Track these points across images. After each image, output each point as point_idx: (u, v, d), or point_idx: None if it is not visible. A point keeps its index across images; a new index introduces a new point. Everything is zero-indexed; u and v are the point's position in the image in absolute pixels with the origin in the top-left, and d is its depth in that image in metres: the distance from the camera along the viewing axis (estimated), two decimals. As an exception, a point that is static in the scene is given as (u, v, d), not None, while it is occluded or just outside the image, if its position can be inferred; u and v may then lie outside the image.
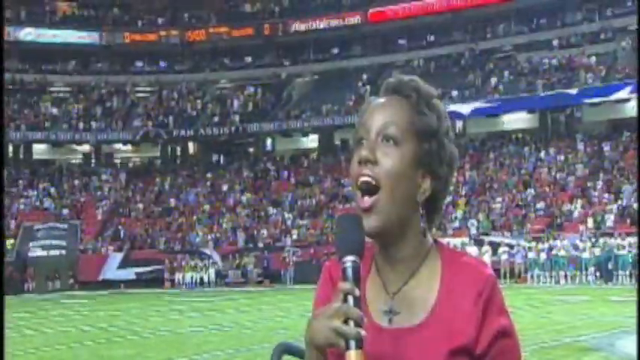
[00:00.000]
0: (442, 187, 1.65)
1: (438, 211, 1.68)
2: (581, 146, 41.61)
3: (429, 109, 1.65)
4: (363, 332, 1.45)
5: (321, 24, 52.90)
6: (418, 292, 1.62)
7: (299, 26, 53.49)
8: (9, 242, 41.59)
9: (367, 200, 1.58)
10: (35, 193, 48.33)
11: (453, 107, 40.27)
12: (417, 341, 1.58)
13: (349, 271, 1.50)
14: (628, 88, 39.39)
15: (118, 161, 54.14)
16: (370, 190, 1.59)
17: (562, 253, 31.92)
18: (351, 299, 1.47)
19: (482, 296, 1.58)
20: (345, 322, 1.45)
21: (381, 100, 1.67)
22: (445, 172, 1.65)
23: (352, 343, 1.44)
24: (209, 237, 42.85)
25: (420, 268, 1.64)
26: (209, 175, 50.20)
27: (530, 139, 44.11)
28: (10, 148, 50.65)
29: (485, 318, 1.58)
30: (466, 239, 33.97)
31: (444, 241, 1.75)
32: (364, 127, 1.64)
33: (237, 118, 51.20)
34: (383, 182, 1.58)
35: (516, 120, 45.70)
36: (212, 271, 40.02)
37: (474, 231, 36.15)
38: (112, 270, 41.88)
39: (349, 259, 1.51)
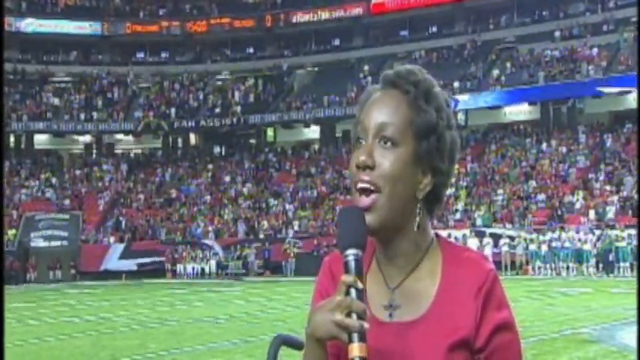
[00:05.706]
0: (443, 179, 1.63)
1: (439, 202, 1.66)
2: (582, 138, 41.56)
3: (428, 103, 1.61)
4: (366, 325, 1.44)
5: (323, 15, 52.81)
6: (419, 287, 1.61)
7: (300, 17, 53.38)
8: (11, 232, 41.64)
9: (365, 200, 1.57)
10: (37, 183, 48.37)
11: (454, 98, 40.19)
12: (418, 335, 1.58)
13: (352, 264, 1.49)
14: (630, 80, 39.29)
15: (119, 152, 54.13)
16: (369, 192, 1.58)
17: (563, 244, 31.91)
18: (353, 292, 1.46)
19: (483, 290, 1.57)
20: (348, 315, 1.44)
21: (379, 94, 1.63)
22: (446, 165, 1.63)
23: (355, 336, 1.43)
24: (210, 228, 42.88)
25: (420, 262, 1.63)
26: (210, 166, 50.20)
27: (532, 130, 44.04)
28: (12, 138, 50.71)
29: (484, 312, 1.57)
30: (467, 231, 33.93)
31: (445, 233, 1.75)
32: (362, 125, 1.61)
33: (238, 109, 51.14)
34: (381, 185, 1.57)
35: (518, 112, 45.64)
36: (213, 262, 40.07)
37: (475, 223, 36.13)
38: (113, 261, 41.94)
39: (351, 252, 1.50)
